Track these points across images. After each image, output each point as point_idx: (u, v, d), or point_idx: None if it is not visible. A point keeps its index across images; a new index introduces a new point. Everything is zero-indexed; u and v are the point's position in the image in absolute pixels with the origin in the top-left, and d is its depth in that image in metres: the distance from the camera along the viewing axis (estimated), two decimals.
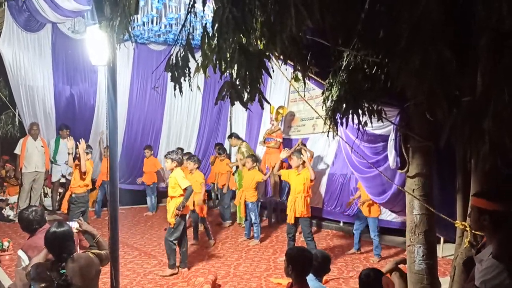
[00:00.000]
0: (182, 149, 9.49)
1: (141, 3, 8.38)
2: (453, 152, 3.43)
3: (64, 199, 7.45)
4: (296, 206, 6.54)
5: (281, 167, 7.44)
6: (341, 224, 8.60)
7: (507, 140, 2.46)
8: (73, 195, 7.13)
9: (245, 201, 8.09)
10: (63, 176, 10.04)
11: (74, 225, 3.73)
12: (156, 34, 10.14)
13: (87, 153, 7.33)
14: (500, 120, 2.46)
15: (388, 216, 7.33)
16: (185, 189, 6.29)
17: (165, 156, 6.56)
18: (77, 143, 7.20)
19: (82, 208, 7.18)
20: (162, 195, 11.14)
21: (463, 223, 3.20)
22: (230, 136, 10.12)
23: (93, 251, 3.56)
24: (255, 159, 8.27)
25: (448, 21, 2.67)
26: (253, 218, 7.98)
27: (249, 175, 8.10)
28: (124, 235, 8.25)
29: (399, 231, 7.44)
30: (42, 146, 9.67)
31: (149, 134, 11.86)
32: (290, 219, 6.64)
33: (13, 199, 9.78)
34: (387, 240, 7.59)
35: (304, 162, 6.71)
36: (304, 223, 6.58)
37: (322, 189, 8.88)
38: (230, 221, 9.38)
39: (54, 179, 10.01)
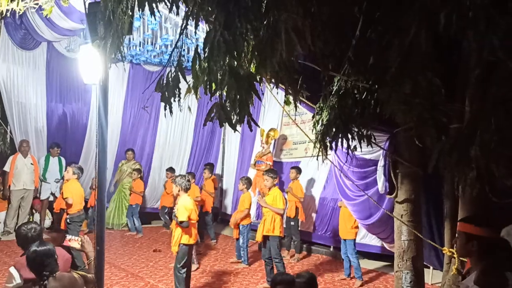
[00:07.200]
0: (193, 174, 9.81)
1: (137, 24, 8.45)
2: (441, 178, 3.45)
3: (62, 219, 7.34)
4: (264, 224, 6.48)
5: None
6: (331, 249, 8.54)
7: (494, 167, 2.48)
8: (73, 215, 7.05)
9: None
10: (52, 194, 9.93)
11: (75, 242, 3.71)
12: (151, 55, 10.20)
13: (74, 174, 7.22)
14: (487, 148, 2.49)
15: (371, 240, 7.36)
16: (181, 222, 5.78)
17: (173, 179, 6.35)
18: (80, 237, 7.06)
19: (79, 227, 7.17)
20: (148, 216, 11.20)
21: (450, 249, 3.20)
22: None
23: (78, 271, 3.52)
24: (245, 181, 8.19)
25: (437, 51, 2.72)
26: (241, 241, 7.91)
27: (241, 197, 8.06)
28: (112, 255, 8.14)
29: (381, 256, 7.46)
30: (31, 164, 9.58)
31: (142, 154, 11.81)
32: (258, 237, 6.58)
33: (2, 214, 9.63)
34: (368, 264, 7.59)
35: (275, 182, 6.71)
36: (272, 242, 6.45)
37: (313, 213, 8.85)
38: (215, 240, 9.58)
39: (43, 197, 9.89)
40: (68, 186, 7.15)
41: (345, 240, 6.93)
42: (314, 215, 8.83)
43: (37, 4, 6.59)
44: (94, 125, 10.43)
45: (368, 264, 7.65)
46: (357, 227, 6.79)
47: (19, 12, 6.72)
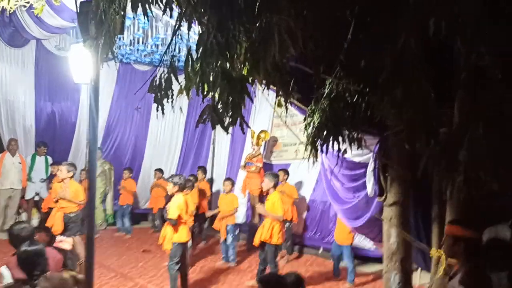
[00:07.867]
0: (196, 177, 9.68)
1: (128, 23, 8.39)
2: (430, 181, 3.48)
3: (57, 219, 7.07)
4: (263, 230, 6.44)
5: (260, 195, 7.36)
6: (321, 250, 8.56)
7: (481, 172, 2.52)
8: (72, 214, 6.87)
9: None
10: (37, 194, 9.80)
11: (66, 243, 3.69)
12: (142, 54, 10.13)
13: (69, 171, 7.07)
14: (475, 153, 2.52)
15: (361, 241, 7.39)
16: (169, 219, 5.81)
17: (168, 179, 6.33)
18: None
19: (80, 226, 6.93)
20: (137, 217, 11.07)
21: (438, 251, 3.24)
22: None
23: (69, 272, 3.51)
24: (233, 182, 8.22)
25: (429, 54, 2.75)
26: (229, 239, 7.91)
27: (227, 198, 8.07)
28: (101, 256, 8.07)
29: (378, 259, 7.49)
30: (19, 163, 9.47)
31: (132, 154, 11.73)
32: (255, 241, 6.56)
33: None
34: (364, 268, 7.61)
35: (275, 185, 6.66)
36: (269, 250, 6.42)
37: (303, 215, 8.87)
38: (205, 241, 9.53)
39: (28, 196, 9.73)
40: (74, 187, 6.92)
41: (340, 245, 6.91)
42: (304, 217, 8.85)
43: (28, 2, 6.52)
44: (83, 124, 10.49)
45: (359, 267, 7.67)
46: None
47: (9, 10, 6.66)
